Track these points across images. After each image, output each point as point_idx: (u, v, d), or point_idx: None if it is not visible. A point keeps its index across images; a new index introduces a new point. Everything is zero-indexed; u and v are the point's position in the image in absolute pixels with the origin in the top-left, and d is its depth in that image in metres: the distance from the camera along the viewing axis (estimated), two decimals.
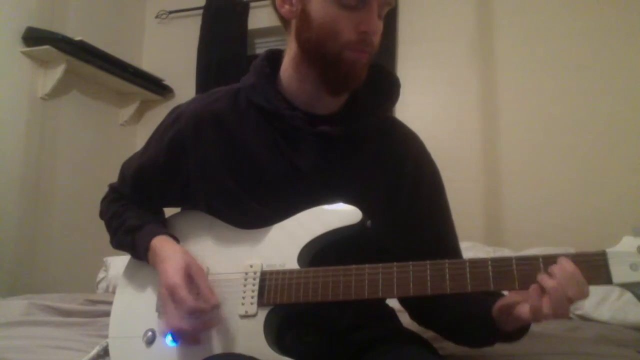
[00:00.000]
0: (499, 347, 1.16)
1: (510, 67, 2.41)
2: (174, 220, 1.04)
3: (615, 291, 1.70)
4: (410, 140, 1.01)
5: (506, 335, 0.84)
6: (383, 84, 0.99)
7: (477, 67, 2.46)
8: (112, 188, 1.11)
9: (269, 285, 0.84)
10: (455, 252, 0.99)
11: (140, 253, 0.96)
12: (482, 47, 2.47)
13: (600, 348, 1.21)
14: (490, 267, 0.75)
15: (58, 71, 2.50)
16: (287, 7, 0.91)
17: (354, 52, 0.86)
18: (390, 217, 0.93)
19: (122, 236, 1.00)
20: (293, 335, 0.87)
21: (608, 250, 0.72)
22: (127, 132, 3.06)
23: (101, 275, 2.33)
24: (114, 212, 1.05)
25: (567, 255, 0.73)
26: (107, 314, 1.17)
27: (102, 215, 1.09)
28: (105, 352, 1.04)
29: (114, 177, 1.13)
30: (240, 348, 0.83)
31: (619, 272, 0.70)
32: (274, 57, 1.00)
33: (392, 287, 0.78)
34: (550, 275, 0.72)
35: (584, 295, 0.71)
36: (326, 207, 0.87)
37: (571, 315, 1.75)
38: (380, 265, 0.80)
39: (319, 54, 0.87)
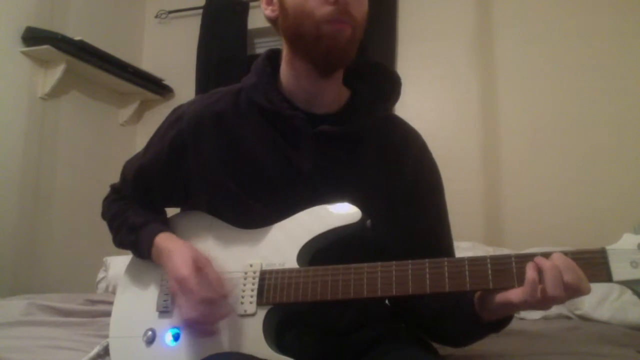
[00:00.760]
0: (498, 347, 1.16)
1: (510, 67, 2.41)
2: (175, 220, 1.04)
3: (615, 291, 1.69)
4: (411, 139, 1.01)
5: (487, 325, 0.82)
6: (383, 83, 0.99)
7: (477, 66, 2.46)
8: (114, 188, 1.12)
9: (269, 284, 0.84)
10: (449, 251, 0.98)
11: (143, 251, 0.96)
12: (482, 46, 2.47)
13: (600, 348, 1.21)
14: (489, 265, 0.75)
15: (58, 71, 2.50)
16: (270, 7, 0.94)
17: (332, 24, 0.85)
18: (390, 216, 0.93)
19: (125, 235, 1.00)
20: (293, 334, 0.87)
21: (608, 247, 0.72)
22: (127, 132, 3.06)
23: (101, 275, 2.33)
24: (115, 211, 1.05)
25: (566, 253, 0.73)
26: (107, 314, 1.17)
27: (104, 215, 1.09)
28: (105, 351, 1.04)
29: (114, 177, 1.13)
30: (239, 347, 0.83)
31: (619, 269, 0.70)
32: (275, 57, 1.00)
33: (391, 286, 0.78)
34: (547, 257, 0.72)
35: (581, 284, 0.69)
36: (326, 206, 0.87)
37: (571, 315, 1.75)
38: (379, 264, 0.80)
39: (299, 36, 0.88)
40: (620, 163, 2.15)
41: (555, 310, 1.76)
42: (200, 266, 0.86)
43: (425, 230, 0.96)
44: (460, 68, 2.49)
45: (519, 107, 2.37)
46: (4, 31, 2.36)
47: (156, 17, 3.20)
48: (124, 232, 1.00)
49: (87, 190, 2.57)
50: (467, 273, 0.75)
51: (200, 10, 2.99)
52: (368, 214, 0.85)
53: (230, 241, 0.93)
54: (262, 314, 0.83)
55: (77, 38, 2.49)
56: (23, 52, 2.43)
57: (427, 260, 0.78)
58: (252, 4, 2.87)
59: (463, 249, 1.95)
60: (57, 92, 2.57)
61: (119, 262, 2.18)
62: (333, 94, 0.97)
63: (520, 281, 0.73)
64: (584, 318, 1.72)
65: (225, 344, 0.84)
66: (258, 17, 2.84)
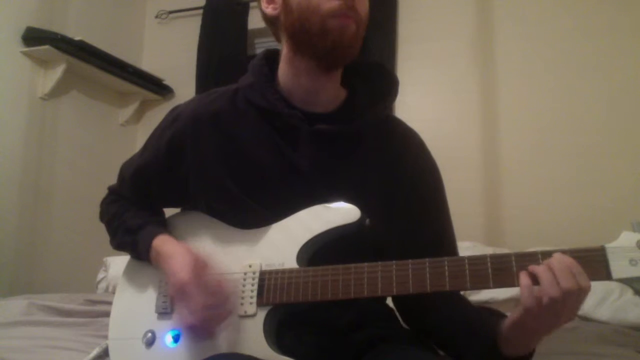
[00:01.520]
0: None
1: (510, 67, 2.41)
2: (174, 220, 1.04)
3: (615, 291, 1.69)
4: (409, 138, 1.01)
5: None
6: (381, 82, 0.99)
7: (477, 66, 2.46)
8: (111, 190, 1.11)
9: (268, 285, 0.84)
10: (452, 250, 0.98)
11: (141, 253, 0.96)
12: (482, 46, 2.47)
13: (600, 348, 1.21)
14: (489, 264, 0.75)
15: (58, 71, 2.50)
16: (271, 6, 0.94)
17: (338, 19, 0.86)
18: (389, 215, 0.93)
19: (123, 237, 1.00)
20: (293, 335, 0.87)
21: (607, 245, 0.71)
22: (127, 132, 3.06)
23: (101, 275, 2.33)
24: (113, 213, 1.05)
25: (565, 251, 0.72)
26: (106, 314, 1.17)
27: (102, 216, 1.09)
28: (105, 353, 1.04)
29: (113, 177, 1.12)
30: (239, 348, 0.83)
31: (618, 267, 0.70)
32: (272, 57, 1.00)
33: (392, 286, 0.78)
34: (548, 256, 0.71)
35: (581, 285, 0.68)
36: (325, 205, 0.87)
37: None
38: (380, 263, 0.79)
39: (305, 31, 0.88)
40: (619, 162, 2.16)
41: None
42: (200, 270, 0.85)
43: (427, 229, 0.96)
44: (460, 68, 2.49)
45: (519, 107, 2.37)
46: (4, 31, 2.36)
47: (156, 17, 3.20)
48: (122, 234, 1.00)
49: (87, 190, 2.57)
50: (467, 272, 0.75)
51: (200, 11, 2.99)
52: (367, 213, 0.85)
53: (229, 241, 0.93)
54: (262, 314, 0.83)
55: (77, 38, 2.50)
56: (23, 52, 2.43)
57: (427, 259, 0.78)
58: (252, 4, 2.86)
59: (463, 249, 1.94)
60: (57, 92, 2.57)
61: (119, 262, 2.17)
62: (331, 93, 0.97)
63: None
64: (584, 318, 1.71)
65: (225, 345, 0.84)
66: (258, 17, 2.81)
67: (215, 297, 0.82)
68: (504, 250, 2.05)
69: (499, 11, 2.46)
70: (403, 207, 0.94)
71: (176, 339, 0.89)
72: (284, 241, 0.87)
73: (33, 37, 2.42)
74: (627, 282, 0.71)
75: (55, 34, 2.43)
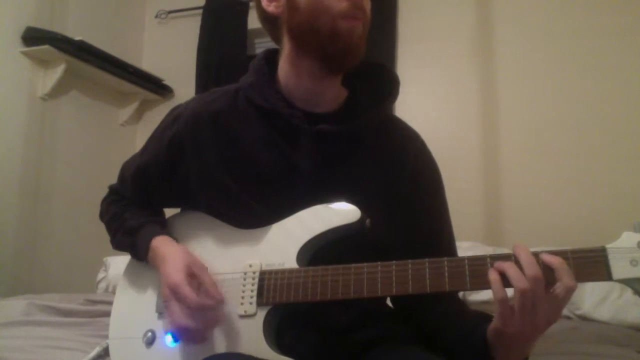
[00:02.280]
0: None
1: (510, 67, 2.41)
2: (174, 220, 1.04)
3: (615, 291, 1.69)
4: (410, 138, 1.01)
5: None
6: (382, 82, 0.99)
7: (477, 66, 2.46)
8: (112, 190, 1.11)
9: (268, 284, 0.84)
10: (450, 250, 0.98)
11: (140, 254, 0.96)
12: (482, 46, 2.47)
13: (600, 348, 1.22)
14: (489, 264, 0.75)
15: (58, 71, 2.50)
16: (273, 4, 0.93)
17: (348, 21, 0.86)
18: (389, 215, 0.93)
19: (122, 237, 1.00)
20: (293, 335, 0.87)
21: (608, 246, 0.71)
22: (127, 132, 3.06)
23: (101, 275, 2.33)
24: (113, 213, 1.05)
25: (566, 251, 0.72)
26: (107, 314, 1.17)
27: (102, 216, 1.09)
28: (105, 352, 1.04)
29: (113, 177, 1.12)
30: (239, 348, 0.83)
31: (619, 267, 0.70)
32: (272, 57, 1.00)
33: (391, 286, 0.78)
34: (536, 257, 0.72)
35: (568, 285, 0.68)
36: (325, 205, 0.87)
37: (571, 315, 1.75)
38: (379, 263, 0.79)
39: (314, 31, 0.87)
40: (620, 162, 2.15)
41: None
42: (194, 272, 0.85)
43: (427, 229, 0.96)
44: (460, 68, 2.49)
45: (519, 107, 2.37)
46: (4, 31, 2.36)
47: (156, 17, 3.20)
48: (122, 234, 1.00)
49: (87, 190, 2.57)
50: (467, 272, 0.75)
51: (200, 10, 2.99)
52: (367, 213, 0.85)
53: (229, 241, 0.93)
54: (262, 314, 0.83)
55: (77, 38, 2.50)
56: (23, 52, 2.43)
57: (427, 259, 0.78)
58: (252, 4, 2.86)
59: (463, 249, 1.95)
60: (57, 92, 2.57)
61: (119, 262, 2.18)
62: (333, 93, 0.97)
63: None
64: (584, 318, 1.72)
65: (225, 344, 0.84)
66: None
67: (208, 299, 0.82)
68: (504, 250, 2.05)
69: (499, 11, 2.46)
70: (403, 207, 0.94)
71: (176, 338, 0.89)
72: (284, 241, 0.87)
73: (33, 37, 2.42)
74: (628, 282, 0.71)
75: (55, 33, 2.43)
